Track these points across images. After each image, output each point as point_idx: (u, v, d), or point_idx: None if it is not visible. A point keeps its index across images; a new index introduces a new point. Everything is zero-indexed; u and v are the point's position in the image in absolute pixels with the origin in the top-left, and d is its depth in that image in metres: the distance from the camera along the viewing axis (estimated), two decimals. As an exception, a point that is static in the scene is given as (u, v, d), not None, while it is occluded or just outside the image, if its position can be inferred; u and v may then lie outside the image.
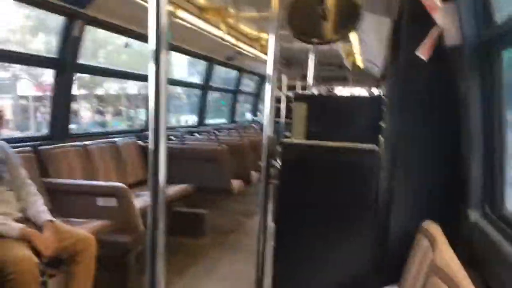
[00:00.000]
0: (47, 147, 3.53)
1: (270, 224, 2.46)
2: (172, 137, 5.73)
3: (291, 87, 9.11)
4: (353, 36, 5.60)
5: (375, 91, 9.59)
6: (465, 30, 1.65)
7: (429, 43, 1.78)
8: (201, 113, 7.39)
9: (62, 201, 3.27)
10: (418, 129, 2.13)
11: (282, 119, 7.41)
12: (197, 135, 6.53)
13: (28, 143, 3.48)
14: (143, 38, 4.66)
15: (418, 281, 1.62)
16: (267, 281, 2.45)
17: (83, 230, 2.65)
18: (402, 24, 2.19)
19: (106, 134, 4.79)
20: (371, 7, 3.33)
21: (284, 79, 9.15)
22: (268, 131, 2.38)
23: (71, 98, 4.07)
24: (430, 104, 2.09)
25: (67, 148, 3.71)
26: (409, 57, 2.03)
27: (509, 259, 1.28)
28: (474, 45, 1.66)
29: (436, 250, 1.53)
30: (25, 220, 2.48)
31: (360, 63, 8.13)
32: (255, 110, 10.56)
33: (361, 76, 9.42)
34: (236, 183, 5.18)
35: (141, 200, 3.49)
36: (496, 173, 1.65)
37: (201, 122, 7.38)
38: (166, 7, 0.98)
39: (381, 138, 2.48)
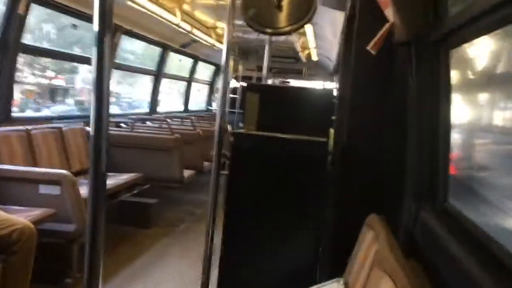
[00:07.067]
0: (-14, 130, 3.33)
1: (220, 214, 2.45)
2: (122, 125, 5.58)
3: (247, 78, 9.11)
4: (308, 30, 5.64)
5: (328, 85, 9.75)
6: (415, 27, 1.68)
7: (379, 38, 1.80)
8: (154, 100, 7.22)
9: (2, 187, 3.11)
10: (368, 123, 2.16)
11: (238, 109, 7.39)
12: (149, 123, 6.38)
13: (-35, 126, 3.27)
14: (89, 19, 4.47)
15: (362, 273, 1.66)
16: (215, 270, 2.44)
17: (23, 218, 2.52)
18: (355, 19, 2.21)
19: (51, 119, 4.58)
20: (326, 1, 3.35)
21: (241, 70, 9.13)
22: (220, 120, 2.35)
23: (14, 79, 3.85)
24: (379, 98, 2.13)
25: (8, 133, 3.52)
26: (360, 51, 2.05)
27: (449, 251, 1.33)
28: (423, 43, 1.69)
29: (380, 242, 1.56)
30: (-42, 207, 2.34)
31: (315, 56, 8.23)
32: (209, 100, 10.46)
33: (315, 70, 9.56)
34: (188, 173, 5.13)
35: (86, 188, 3.37)
36: (440, 167, 1.70)
37: (153, 110, 7.22)
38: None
39: (332, 131, 2.51)
